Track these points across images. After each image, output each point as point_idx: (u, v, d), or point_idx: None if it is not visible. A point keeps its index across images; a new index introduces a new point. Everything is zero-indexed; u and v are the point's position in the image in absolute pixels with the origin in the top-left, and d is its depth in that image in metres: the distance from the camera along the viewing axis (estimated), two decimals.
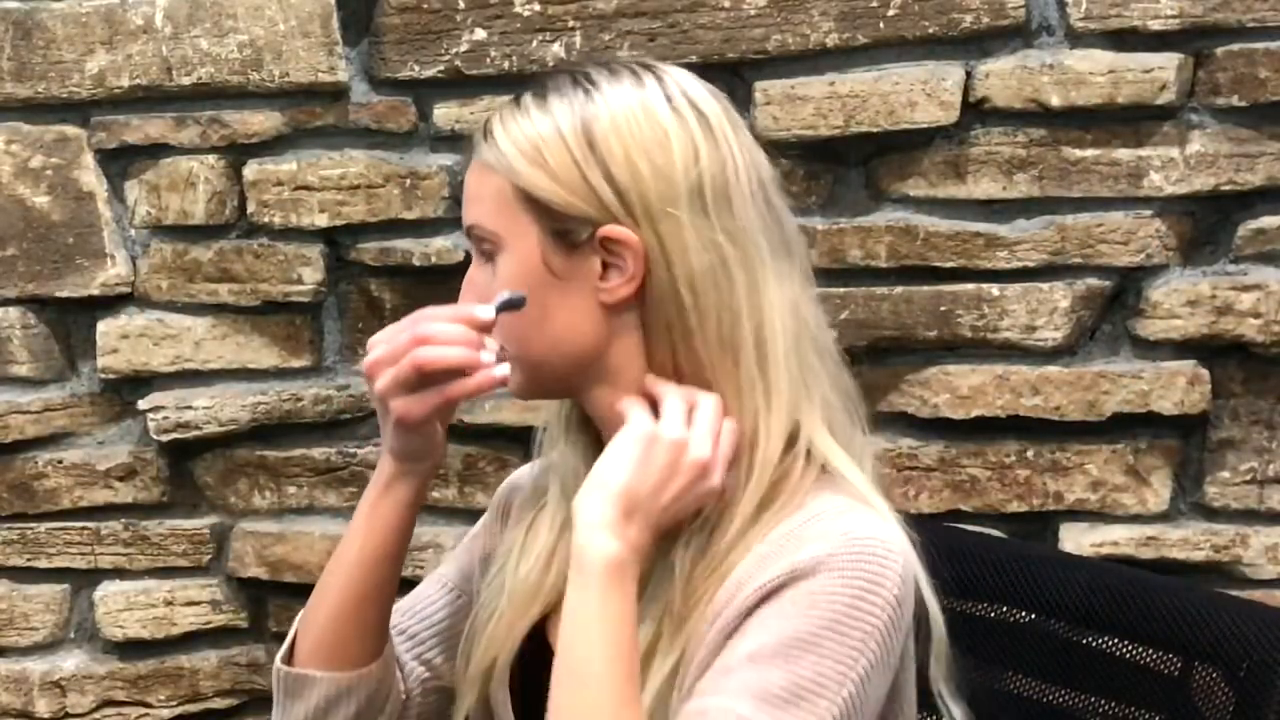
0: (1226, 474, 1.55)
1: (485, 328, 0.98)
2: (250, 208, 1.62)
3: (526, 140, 0.98)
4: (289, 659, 1.12)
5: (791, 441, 0.99)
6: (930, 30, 1.50)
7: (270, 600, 1.72)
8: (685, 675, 0.94)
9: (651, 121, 0.97)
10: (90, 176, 1.64)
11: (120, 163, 1.64)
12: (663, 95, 0.99)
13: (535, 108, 0.99)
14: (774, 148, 1.53)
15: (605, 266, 0.97)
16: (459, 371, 0.98)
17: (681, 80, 1.01)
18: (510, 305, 0.98)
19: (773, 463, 0.97)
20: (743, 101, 1.55)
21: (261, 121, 1.60)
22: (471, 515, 1.64)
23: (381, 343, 1.00)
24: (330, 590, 1.10)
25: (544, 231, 0.98)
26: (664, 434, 0.95)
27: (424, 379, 0.98)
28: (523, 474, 1.22)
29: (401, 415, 1.00)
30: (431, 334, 0.98)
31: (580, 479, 0.98)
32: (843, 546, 0.92)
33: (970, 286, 1.54)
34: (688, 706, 0.91)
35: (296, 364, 1.67)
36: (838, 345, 1.05)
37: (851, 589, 0.91)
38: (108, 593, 1.71)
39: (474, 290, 1.03)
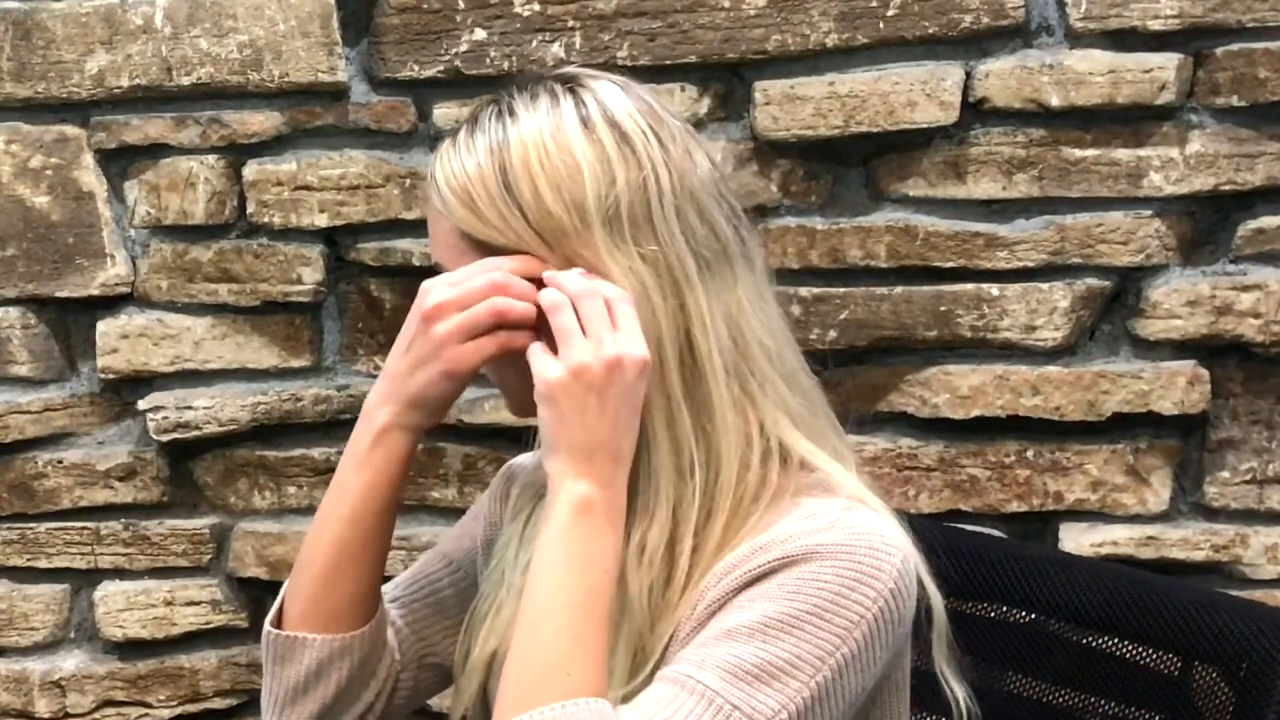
0: (1226, 474, 1.55)
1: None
2: (250, 208, 1.62)
3: (458, 184, 0.98)
4: (278, 622, 1.11)
5: (761, 441, 0.99)
6: (930, 30, 1.50)
7: (270, 600, 1.71)
8: (669, 655, 0.95)
9: (563, 151, 0.96)
10: (90, 176, 1.64)
11: (120, 163, 1.64)
12: (577, 119, 0.97)
13: (464, 146, 0.99)
14: (774, 148, 1.55)
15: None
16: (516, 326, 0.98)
17: (604, 96, 0.99)
18: None
19: (731, 483, 0.97)
20: (742, 101, 1.55)
21: (261, 121, 1.60)
22: None
23: (444, 285, 0.98)
24: (320, 549, 1.08)
25: None
26: (566, 369, 0.93)
27: (490, 329, 0.97)
28: (523, 460, 1.22)
29: (454, 365, 0.98)
30: (510, 283, 0.96)
31: None
32: (840, 537, 0.93)
33: (970, 286, 1.54)
34: (659, 673, 0.92)
35: (296, 364, 1.67)
36: (796, 348, 1.04)
37: (842, 578, 0.91)
38: (108, 593, 1.71)
39: None
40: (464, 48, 1.56)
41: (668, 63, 1.52)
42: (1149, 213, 1.51)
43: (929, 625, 1.01)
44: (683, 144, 0.99)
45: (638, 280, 0.96)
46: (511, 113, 0.98)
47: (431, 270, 1.03)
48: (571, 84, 1.00)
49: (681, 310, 0.97)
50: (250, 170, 1.61)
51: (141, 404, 1.66)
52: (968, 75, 1.51)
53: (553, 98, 0.99)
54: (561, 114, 0.98)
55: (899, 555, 0.93)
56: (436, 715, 1.66)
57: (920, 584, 0.97)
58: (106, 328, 1.66)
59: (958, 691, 1.05)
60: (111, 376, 1.67)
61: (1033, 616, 1.20)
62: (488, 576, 1.13)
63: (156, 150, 1.62)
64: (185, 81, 1.59)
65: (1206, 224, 1.53)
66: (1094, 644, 1.15)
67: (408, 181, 1.60)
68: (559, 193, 0.95)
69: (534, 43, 1.55)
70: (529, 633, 0.92)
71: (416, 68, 1.57)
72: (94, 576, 1.72)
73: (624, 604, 0.97)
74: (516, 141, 0.97)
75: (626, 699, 0.92)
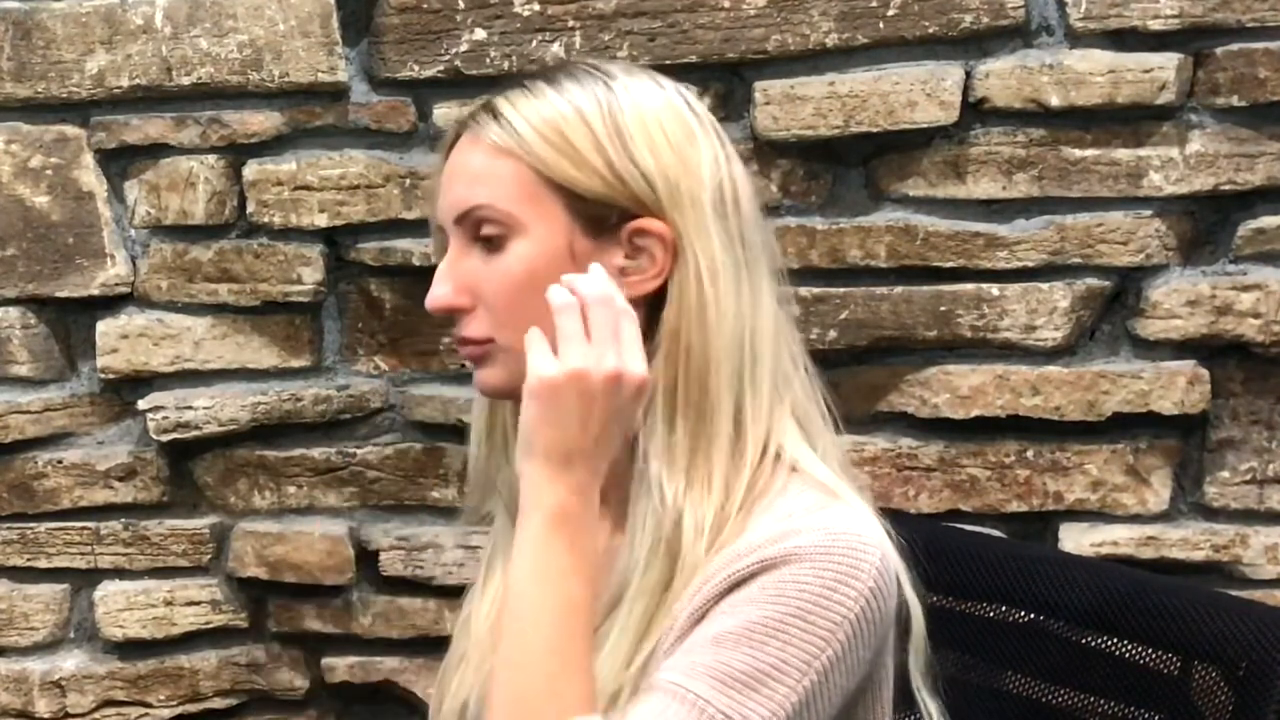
0: (1226, 474, 1.55)
1: None
2: (250, 208, 1.62)
3: (545, 123, 0.96)
4: None
5: (768, 448, 0.99)
6: (930, 30, 1.50)
7: (270, 600, 1.72)
8: (654, 664, 0.94)
9: (679, 119, 0.98)
10: (90, 176, 1.64)
11: (120, 163, 1.64)
12: (683, 99, 1.00)
13: (552, 93, 0.98)
14: (774, 148, 1.55)
15: (628, 258, 0.97)
16: None
17: (686, 92, 1.02)
18: None
19: (752, 468, 0.97)
20: (742, 101, 1.55)
21: (261, 121, 1.60)
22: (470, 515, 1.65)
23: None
24: None
25: (572, 215, 0.96)
26: (562, 371, 0.92)
27: None
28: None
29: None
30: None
31: None
32: (818, 539, 0.92)
33: (970, 286, 1.54)
34: (647, 683, 0.91)
35: (296, 364, 1.67)
36: (806, 351, 1.05)
37: (823, 579, 0.91)
38: (108, 593, 1.71)
39: (456, 279, 0.99)
40: (464, 48, 1.56)
41: (668, 63, 1.52)
42: (1149, 213, 1.51)
43: (907, 630, 1.01)
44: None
45: (733, 259, 0.97)
46: (607, 74, 0.99)
47: (431, 270, 1.02)
48: (650, 71, 1.02)
49: (755, 298, 0.98)
50: (250, 170, 1.61)
51: (141, 404, 1.66)
52: (968, 75, 1.51)
53: (646, 73, 1.00)
54: (666, 87, 0.99)
55: (877, 553, 0.93)
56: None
57: (900, 585, 0.97)
58: (106, 328, 1.66)
59: (931, 707, 1.05)
60: (111, 376, 1.67)
61: (1032, 616, 1.20)
62: (459, 626, 1.12)
63: (156, 150, 1.62)
64: (185, 81, 1.59)
65: (1206, 224, 1.53)
66: (1093, 644, 1.15)
67: (408, 181, 1.60)
68: (679, 154, 0.96)
69: (534, 43, 1.55)
70: (514, 650, 0.91)
71: (416, 68, 1.57)
72: (94, 576, 1.72)
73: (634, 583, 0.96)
74: (628, 97, 0.97)
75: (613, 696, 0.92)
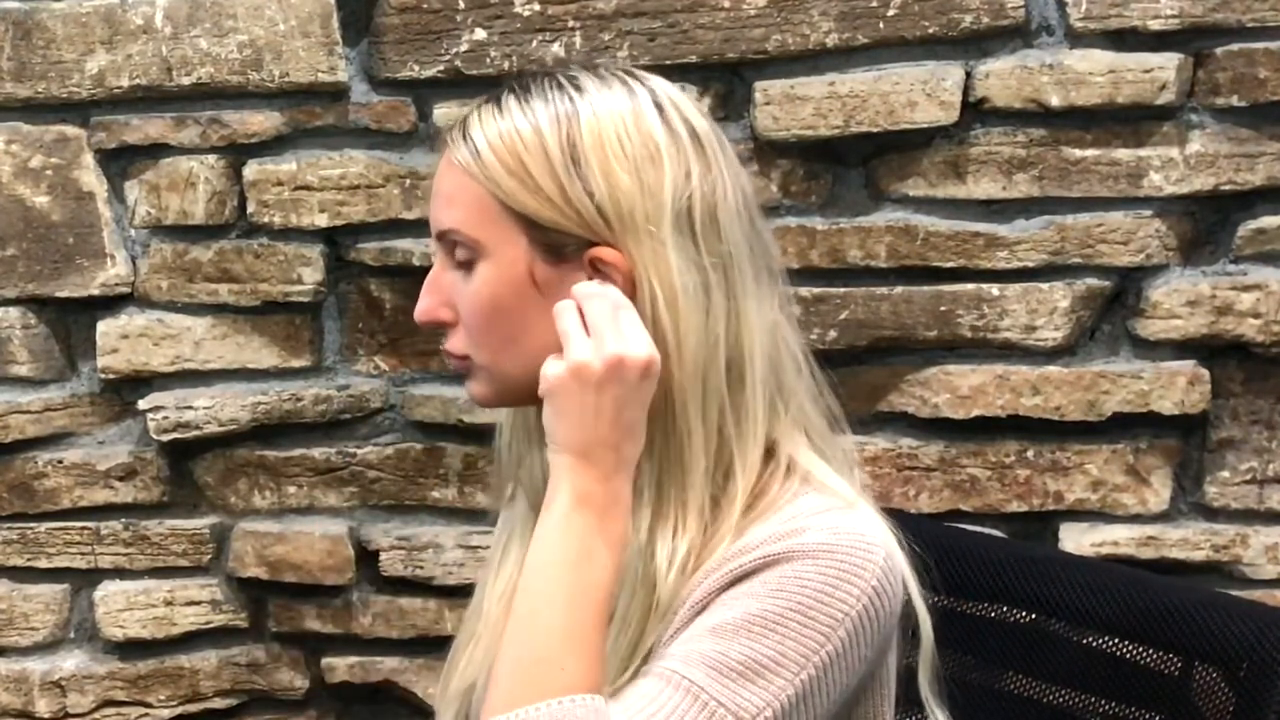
0: (1226, 474, 1.55)
1: None
2: (250, 208, 1.62)
3: (507, 149, 0.95)
4: None
5: (769, 458, 0.98)
6: (930, 30, 1.50)
7: (270, 600, 1.72)
8: (653, 657, 0.94)
9: (643, 135, 0.94)
10: (90, 176, 1.64)
11: (120, 163, 1.64)
12: (654, 106, 0.96)
13: (518, 111, 0.96)
14: (774, 148, 1.55)
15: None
16: None
17: (671, 93, 0.98)
18: None
19: (750, 484, 0.97)
20: (742, 101, 1.55)
21: (261, 121, 1.60)
22: (471, 515, 1.65)
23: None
24: None
25: (531, 242, 0.95)
26: (565, 366, 0.92)
27: None
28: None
29: None
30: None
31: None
32: (823, 537, 0.92)
33: (970, 286, 1.54)
34: (644, 669, 0.91)
35: (296, 364, 1.67)
36: (811, 356, 1.04)
37: (825, 576, 0.90)
38: (108, 593, 1.71)
39: (440, 294, 1.00)
40: (464, 48, 1.56)
41: (668, 63, 1.52)
42: (1149, 213, 1.51)
43: (915, 636, 1.01)
44: (734, 153, 0.99)
45: (701, 278, 0.94)
46: (577, 87, 0.96)
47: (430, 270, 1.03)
48: (637, 77, 0.98)
49: (737, 316, 0.96)
50: (250, 170, 1.61)
51: (141, 404, 1.66)
52: (968, 75, 1.51)
53: (623, 82, 0.97)
54: (638, 98, 0.96)
55: (881, 553, 0.93)
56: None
57: (907, 591, 0.97)
58: (106, 328, 1.66)
59: (939, 717, 1.05)
60: (111, 376, 1.67)
61: (1033, 616, 1.20)
62: (471, 610, 1.12)
63: (156, 150, 1.62)
64: (185, 81, 1.59)
65: (1206, 224, 1.53)
66: (1094, 644, 1.15)
67: (408, 181, 1.60)
68: (637, 177, 0.93)
69: (534, 43, 1.55)
70: (523, 627, 0.91)
71: (416, 68, 1.57)
72: (94, 576, 1.72)
73: (650, 599, 0.96)
74: (590, 115, 0.94)
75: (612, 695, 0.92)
